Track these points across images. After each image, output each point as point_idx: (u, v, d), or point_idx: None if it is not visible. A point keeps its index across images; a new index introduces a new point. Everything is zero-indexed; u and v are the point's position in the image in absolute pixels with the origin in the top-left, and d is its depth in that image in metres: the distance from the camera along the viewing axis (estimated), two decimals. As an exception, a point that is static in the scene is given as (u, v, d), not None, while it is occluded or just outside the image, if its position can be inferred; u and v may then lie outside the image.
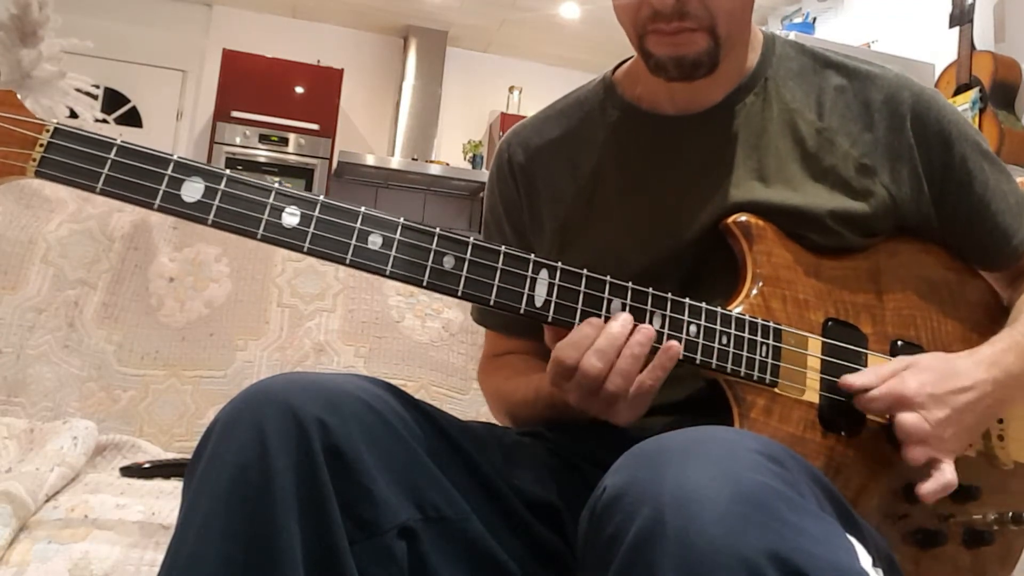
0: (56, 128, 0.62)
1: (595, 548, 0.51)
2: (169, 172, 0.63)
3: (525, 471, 0.71)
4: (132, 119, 4.75)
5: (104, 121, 2.53)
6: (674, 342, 0.68)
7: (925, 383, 0.71)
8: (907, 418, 0.69)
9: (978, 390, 0.72)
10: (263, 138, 4.57)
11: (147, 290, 1.28)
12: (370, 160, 4.64)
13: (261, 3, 4.91)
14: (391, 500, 0.58)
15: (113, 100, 4.66)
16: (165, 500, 0.91)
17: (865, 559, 0.50)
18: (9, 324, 1.18)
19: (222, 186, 0.63)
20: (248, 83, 4.58)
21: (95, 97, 2.07)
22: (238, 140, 4.54)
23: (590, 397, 0.67)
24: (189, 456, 1.11)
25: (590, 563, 0.52)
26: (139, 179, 0.62)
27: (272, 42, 4.84)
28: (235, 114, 4.54)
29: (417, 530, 0.59)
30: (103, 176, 0.62)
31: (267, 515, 0.54)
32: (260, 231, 0.63)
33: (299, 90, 4.73)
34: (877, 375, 0.72)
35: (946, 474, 0.69)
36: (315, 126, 4.66)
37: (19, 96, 0.62)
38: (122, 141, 0.62)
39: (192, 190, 0.63)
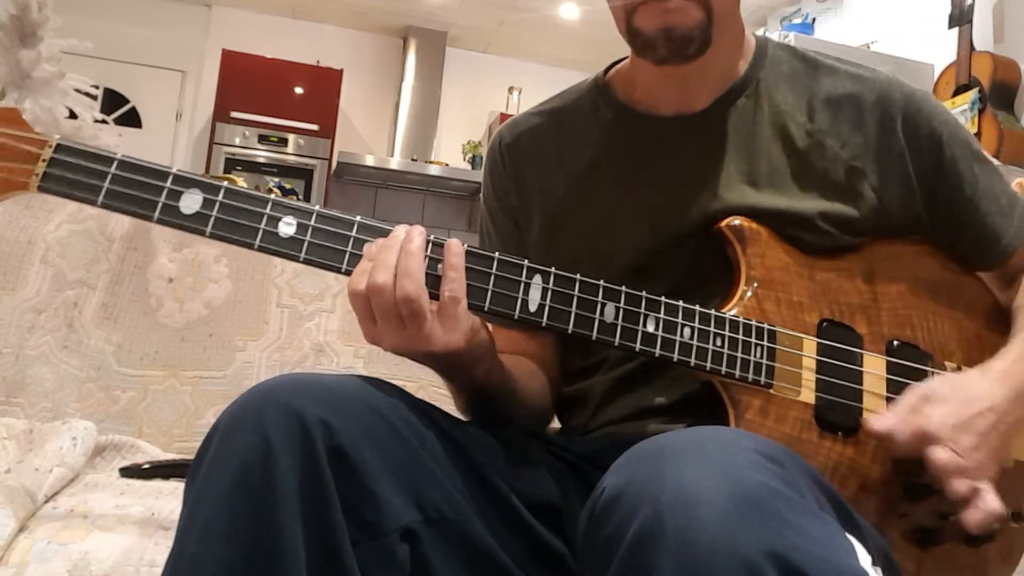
0: (58, 144, 0.63)
1: (594, 548, 0.51)
2: (168, 185, 0.64)
3: (525, 471, 0.71)
4: (131, 119, 4.75)
5: (103, 122, 2.53)
6: (454, 239, 0.66)
7: (947, 415, 0.69)
8: (939, 454, 0.68)
9: (997, 410, 0.71)
10: (262, 138, 4.57)
11: (146, 291, 1.28)
12: (369, 161, 4.64)
13: (261, 3, 4.91)
14: (393, 501, 0.58)
15: (112, 100, 4.66)
16: (164, 500, 0.91)
17: (864, 558, 0.50)
18: (8, 325, 1.18)
19: (220, 197, 0.64)
20: (247, 83, 4.58)
21: (94, 97, 2.06)
22: (237, 141, 4.53)
23: (394, 323, 0.63)
24: (188, 457, 1.11)
25: (589, 563, 0.52)
26: (139, 192, 0.63)
27: (271, 42, 4.84)
28: (234, 115, 4.53)
29: (419, 532, 0.59)
30: (104, 190, 0.63)
31: (270, 517, 0.53)
32: (257, 242, 0.64)
33: (298, 90, 4.72)
34: (897, 415, 0.70)
35: (989, 502, 0.68)
36: (314, 127, 4.66)
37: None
38: (122, 155, 0.64)
39: (190, 202, 0.64)
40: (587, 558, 0.53)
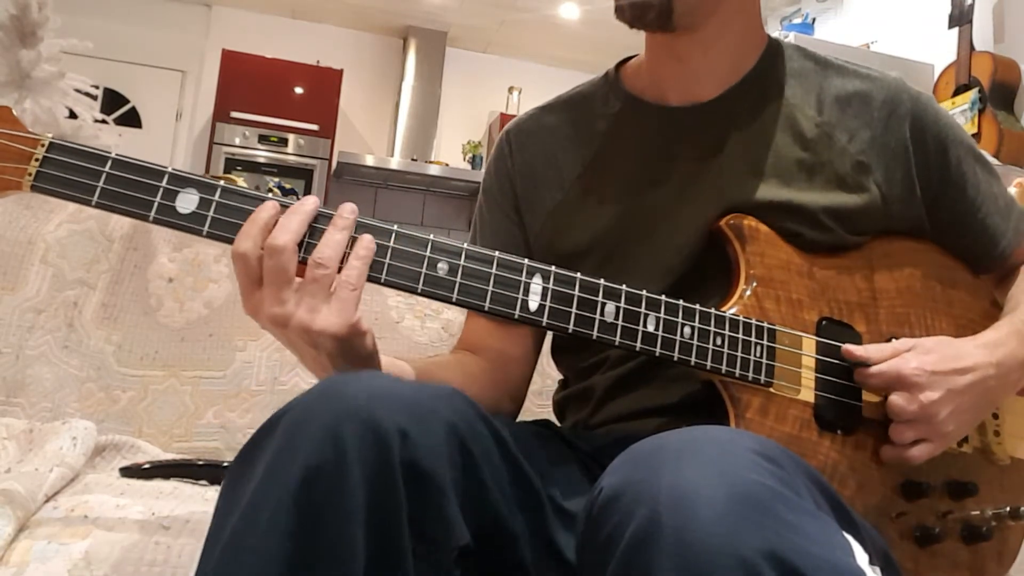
0: (51, 143, 0.62)
1: (592, 549, 0.51)
2: (164, 184, 0.63)
3: (570, 490, 0.69)
4: (131, 119, 4.75)
5: (103, 121, 2.53)
6: (368, 235, 0.64)
7: (925, 363, 0.72)
8: (894, 399, 0.71)
9: (979, 372, 0.73)
10: (262, 139, 4.57)
11: (146, 290, 1.28)
12: (369, 160, 4.64)
13: (261, 3, 4.91)
14: (456, 520, 0.55)
15: (112, 100, 4.66)
16: (165, 500, 0.91)
17: (862, 557, 0.51)
18: (8, 324, 1.18)
19: (216, 197, 0.63)
20: (247, 84, 4.58)
21: (94, 97, 2.06)
22: (237, 141, 4.53)
23: (284, 291, 0.61)
24: (189, 457, 1.12)
25: (588, 564, 0.52)
26: (134, 192, 0.62)
27: (271, 42, 4.84)
28: (234, 115, 4.53)
29: (472, 553, 0.57)
30: (98, 189, 0.62)
31: (337, 524, 0.51)
32: None
33: (298, 90, 4.72)
34: (879, 351, 0.74)
35: (915, 455, 0.72)
36: (314, 126, 4.66)
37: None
38: (117, 154, 0.62)
39: (187, 201, 0.63)
40: (585, 558, 0.53)
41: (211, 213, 0.63)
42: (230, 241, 0.63)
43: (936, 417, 0.71)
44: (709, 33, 0.79)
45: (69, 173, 0.62)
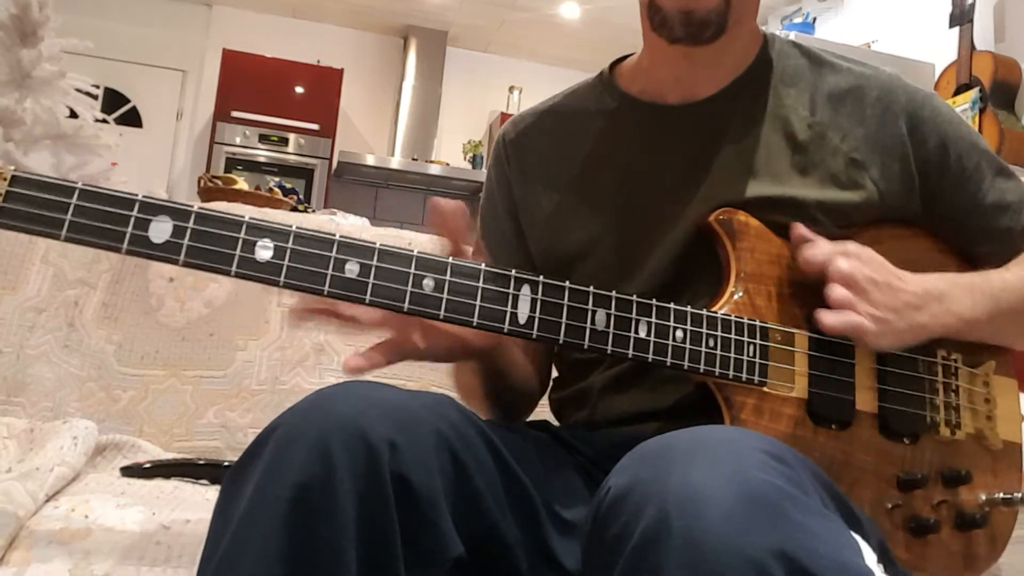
0: (13, 176, 0.59)
1: (600, 549, 0.50)
2: (135, 213, 0.60)
3: (566, 497, 0.69)
4: (132, 119, 4.75)
5: (104, 121, 2.53)
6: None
7: (883, 266, 0.73)
8: (842, 263, 0.71)
9: (946, 300, 0.75)
10: (263, 138, 4.57)
11: (147, 290, 1.28)
12: (370, 160, 4.64)
13: (261, 3, 4.92)
14: (450, 532, 0.55)
15: (113, 100, 4.66)
16: (165, 500, 0.91)
17: (870, 556, 0.50)
18: (9, 324, 1.18)
19: (191, 224, 0.60)
20: (248, 83, 4.58)
21: (95, 97, 2.07)
22: (238, 140, 4.54)
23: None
24: (189, 456, 1.11)
25: (595, 564, 0.52)
26: (104, 223, 0.59)
27: (272, 42, 4.84)
28: (235, 114, 4.54)
29: (466, 563, 0.57)
30: (67, 222, 0.59)
31: (328, 541, 0.51)
32: (233, 268, 0.60)
33: (299, 90, 4.73)
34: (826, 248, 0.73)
35: (854, 320, 0.69)
36: (315, 126, 4.66)
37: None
38: (84, 184, 0.60)
39: (160, 230, 0.60)
40: (592, 559, 0.53)
41: (186, 241, 0.60)
42: (208, 269, 0.60)
43: (881, 294, 0.70)
44: (730, 36, 0.78)
45: (34, 207, 0.58)
